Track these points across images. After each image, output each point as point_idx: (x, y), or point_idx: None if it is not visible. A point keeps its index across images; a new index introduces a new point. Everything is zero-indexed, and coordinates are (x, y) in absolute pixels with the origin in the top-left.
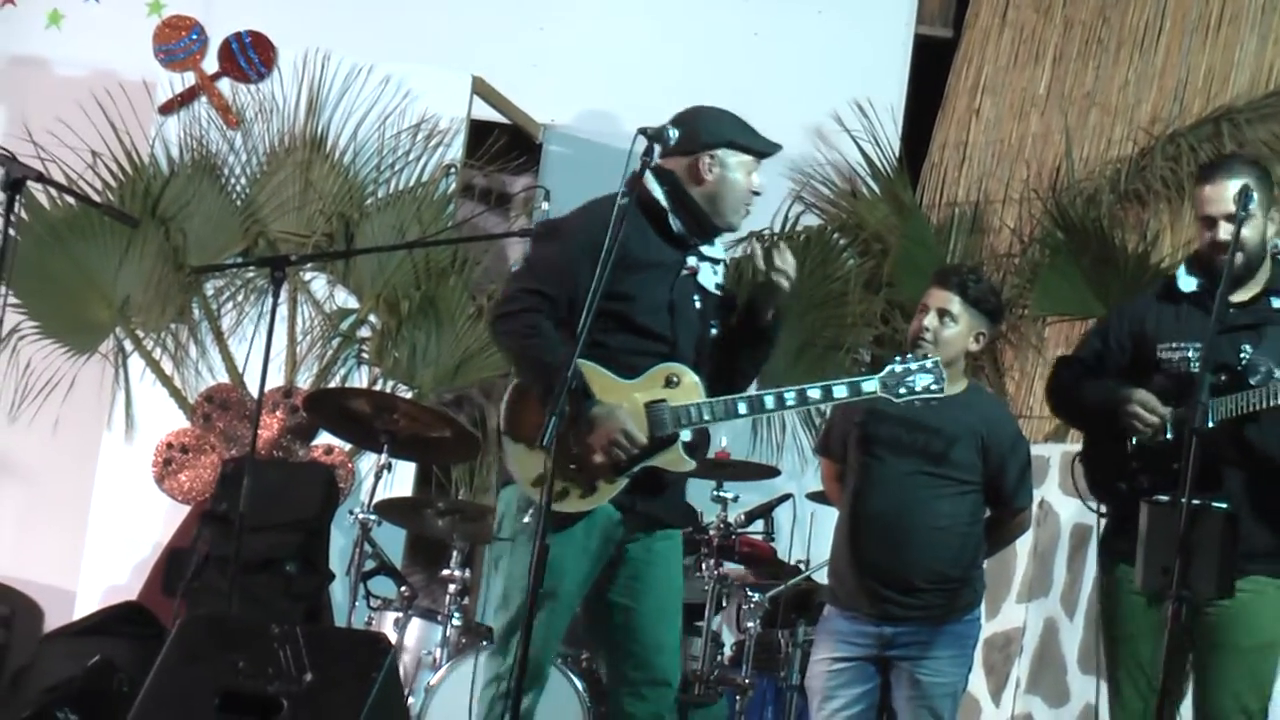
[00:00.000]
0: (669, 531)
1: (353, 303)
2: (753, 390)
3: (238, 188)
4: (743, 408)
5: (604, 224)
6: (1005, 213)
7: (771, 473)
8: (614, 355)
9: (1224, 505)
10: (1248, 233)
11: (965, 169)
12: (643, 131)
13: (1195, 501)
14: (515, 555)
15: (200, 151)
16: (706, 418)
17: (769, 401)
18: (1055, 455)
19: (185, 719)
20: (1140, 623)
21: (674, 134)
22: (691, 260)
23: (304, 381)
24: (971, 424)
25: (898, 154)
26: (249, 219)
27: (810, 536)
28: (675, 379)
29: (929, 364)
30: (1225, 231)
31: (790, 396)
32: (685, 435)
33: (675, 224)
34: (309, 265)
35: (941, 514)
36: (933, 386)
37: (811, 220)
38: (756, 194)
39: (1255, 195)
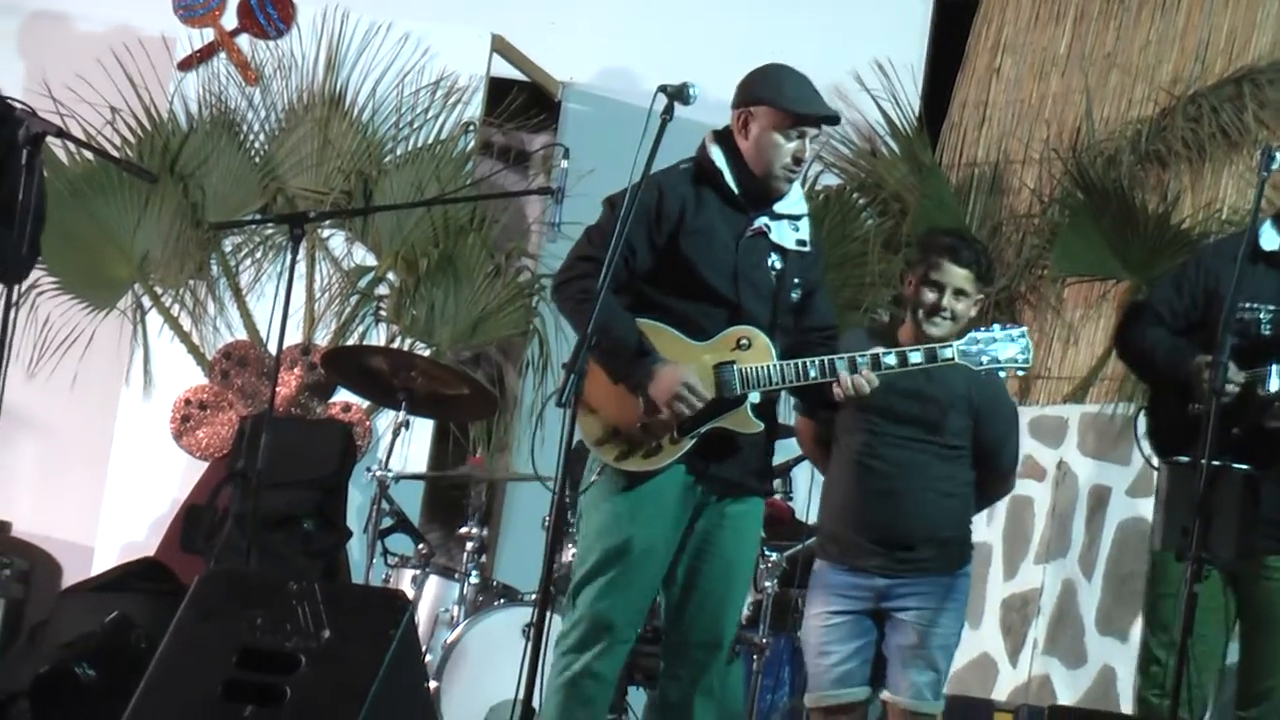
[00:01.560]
0: (745, 497)
1: (371, 260)
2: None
3: (256, 144)
4: (813, 372)
5: (658, 192)
6: (1025, 173)
7: (789, 432)
8: (681, 319)
9: (1244, 467)
10: None
11: (985, 129)
12: (663, 89)
13: (1215, 463)
14: (589, 515)
15: (219, 108)
16: (775, 380)
17: (841, 367)
18: (1074, 416)
19: (203, 675)
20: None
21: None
22: (761, 221)
23: (322, 339)
24: (964, 391)
25: (917, 113)
26: (267, 176)
27: None
28: (747, 341)
29: (1015, 333)
30: None
31: (863, 361)
32: (754, 398)
33: (732, 185)
34: (327, 222)
35: (940, 478)
36: (1019, 357)
37: (831, 180)
38: (799, 160)
39: None
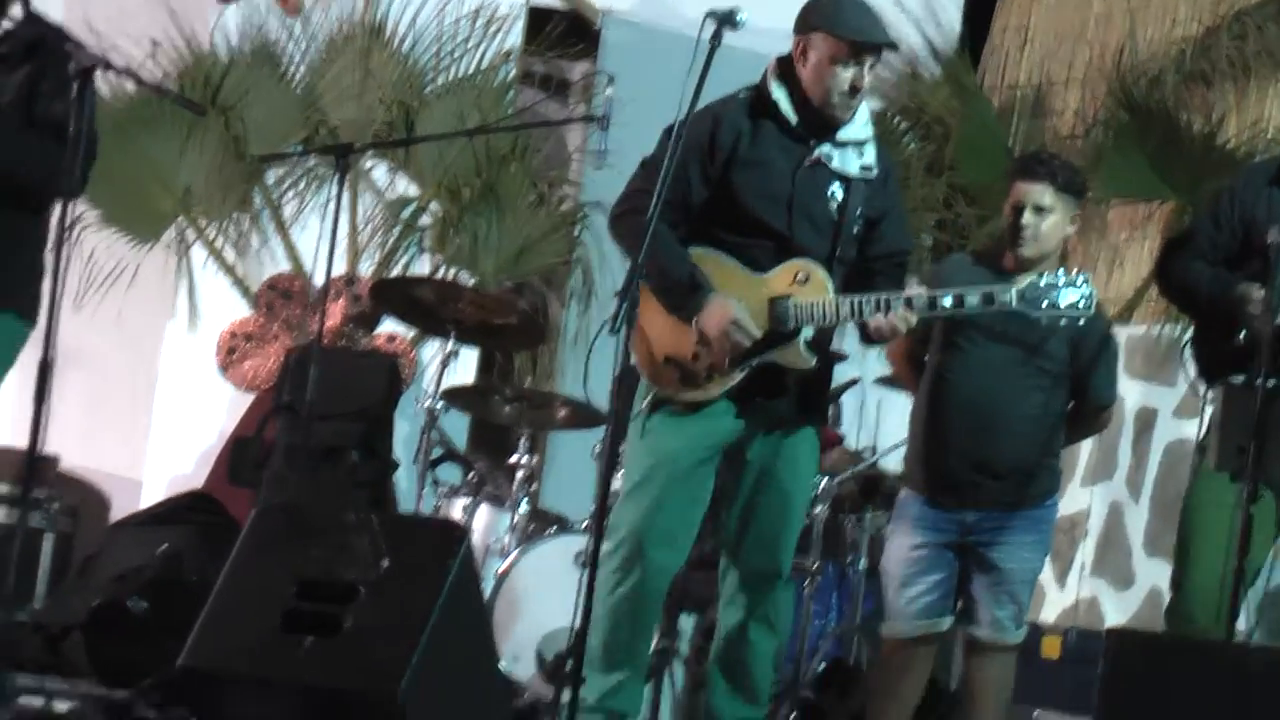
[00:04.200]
0: (799, 429)
1: (413, 191)
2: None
3: (297, 76)
4: (869, 310)
5: (713, 124)
6: (1068, 95)
7: (838, 357)
8: (736, 250)
9: None
10: None
11: (1027, 51)
12: (712, 14)
13: (1271, 383)
14: (630, 445)
15: (260, 40)
16: (830, 317)
17: (898, 305)
18: (1120, 338)
19: (262, 608)
20: (1226, 495)
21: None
22: (822, 150)
23: (365, 270)
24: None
25: (959, 36)
26: (309, 108)
27: (877, 423)
28: (804, 276)
29: (1079, 280)
30: None
31: (920, 302)
32: (808, 333)
33: (790, 116)
34: (369, 153)
35: (1033, 404)
36: (1080, 304)
37: (872, 104)
38: (856, 88)
39: None
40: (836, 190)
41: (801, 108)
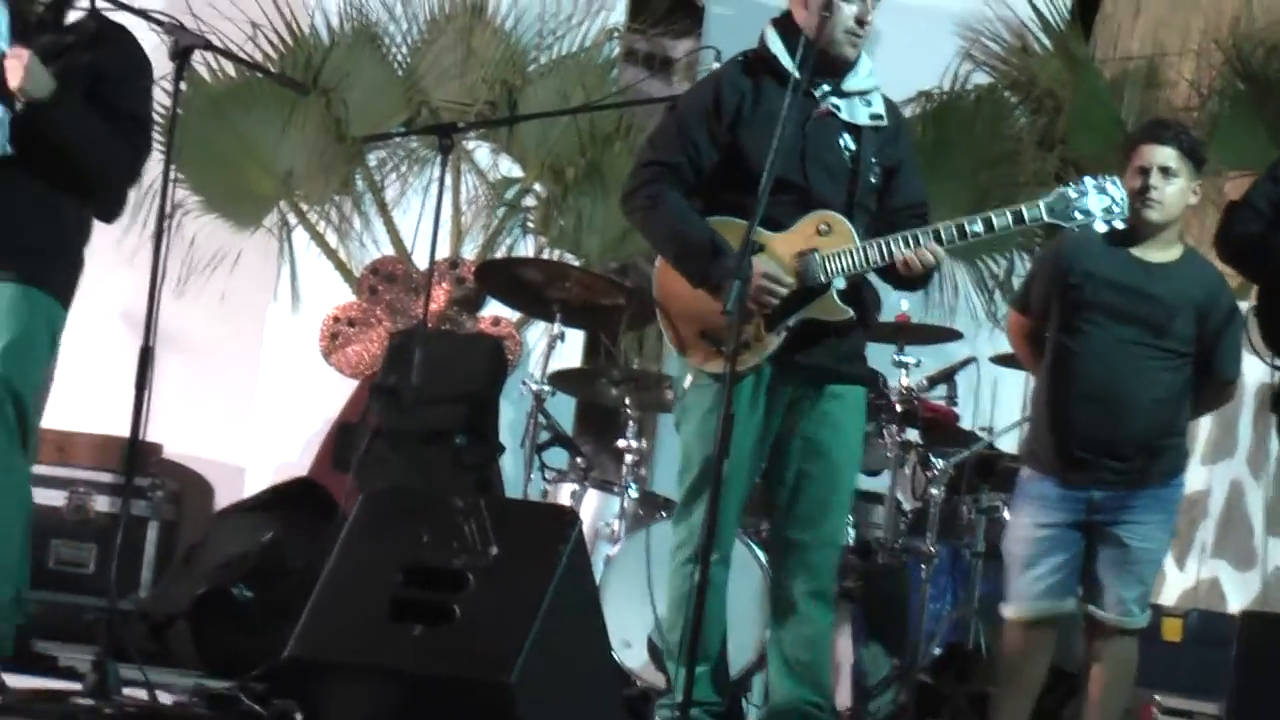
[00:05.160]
0: (842, 387)
1: (517, 171)
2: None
3: (398, 57)
4: (897, 249)
5: (715, 87)
6: (1182, 65)
7: (953, 335)
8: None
9: None
10: None
11: (1139, 21)
12: None
13: None
14: (685, 422)
15: (360, 21)
16: (859, 263)
17: (925, 241)
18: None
19: (370, 595)
20: None
21: None
22: (829, 101)
23: (469, 252)
24: (1193, 295)
25: (1069, 7)
26: (411, 88)
27: (993, 402)
28: (826, 226)
29: (1107, 183)
30: None
31: (949, 232)
32: (839, 283)
33: (791, 69)
34: (472, 134)
35: (1159, 385)
36: (1114, 208)
37: (982, 78)
38: (862, 21)
39: None
40: (848, 140)
41: (804, 59)
